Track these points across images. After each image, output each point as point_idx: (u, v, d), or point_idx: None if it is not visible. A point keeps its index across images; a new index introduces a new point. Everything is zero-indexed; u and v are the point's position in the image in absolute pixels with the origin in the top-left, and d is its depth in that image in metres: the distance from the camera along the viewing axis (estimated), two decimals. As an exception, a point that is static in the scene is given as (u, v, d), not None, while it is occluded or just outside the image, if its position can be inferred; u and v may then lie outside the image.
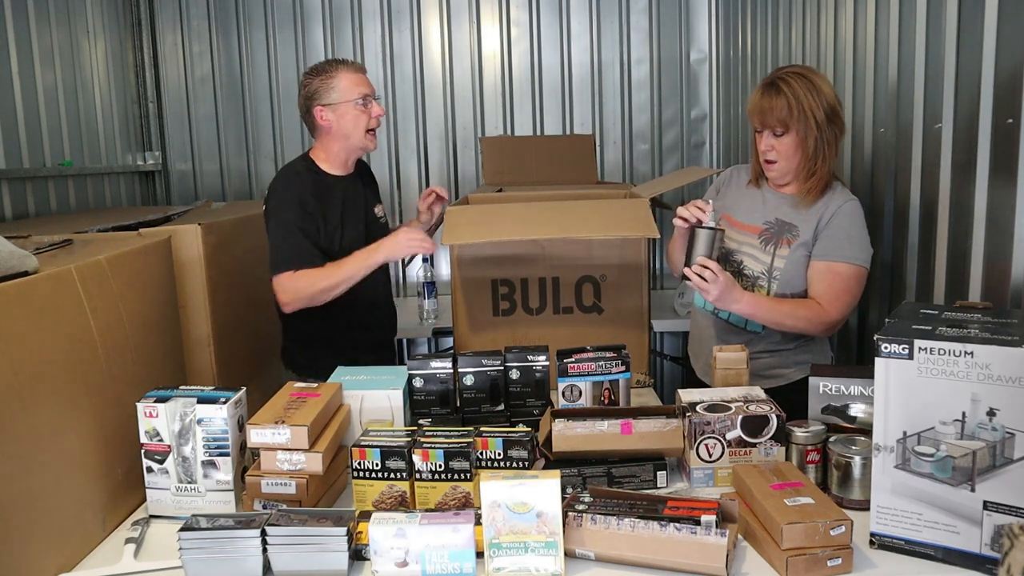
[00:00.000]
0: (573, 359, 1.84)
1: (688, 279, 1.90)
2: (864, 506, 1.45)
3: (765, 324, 2.02)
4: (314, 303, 2.19)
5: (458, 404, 1.87)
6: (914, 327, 1.34)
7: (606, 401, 1.83)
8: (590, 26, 4.22)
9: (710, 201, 1.93)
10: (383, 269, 2.38)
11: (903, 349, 1.30)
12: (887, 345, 1.31)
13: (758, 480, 1.46)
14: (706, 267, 1.87)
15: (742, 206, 2.13)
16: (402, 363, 2.01)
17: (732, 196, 2.18)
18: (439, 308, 3.56)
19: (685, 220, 1.95)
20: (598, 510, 1.39)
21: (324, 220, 2.27)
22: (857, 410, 1.67)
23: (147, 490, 1.60)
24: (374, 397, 1.80)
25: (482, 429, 1.59)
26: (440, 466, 1.53)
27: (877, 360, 1.32)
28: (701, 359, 2.22)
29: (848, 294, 1.96)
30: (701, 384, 2.20)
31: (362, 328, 2.42)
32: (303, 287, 2.17)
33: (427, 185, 4.35)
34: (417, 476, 1.54)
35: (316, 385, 1.76)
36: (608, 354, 1.85)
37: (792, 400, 1.75)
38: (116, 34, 3.93)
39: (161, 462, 1.58)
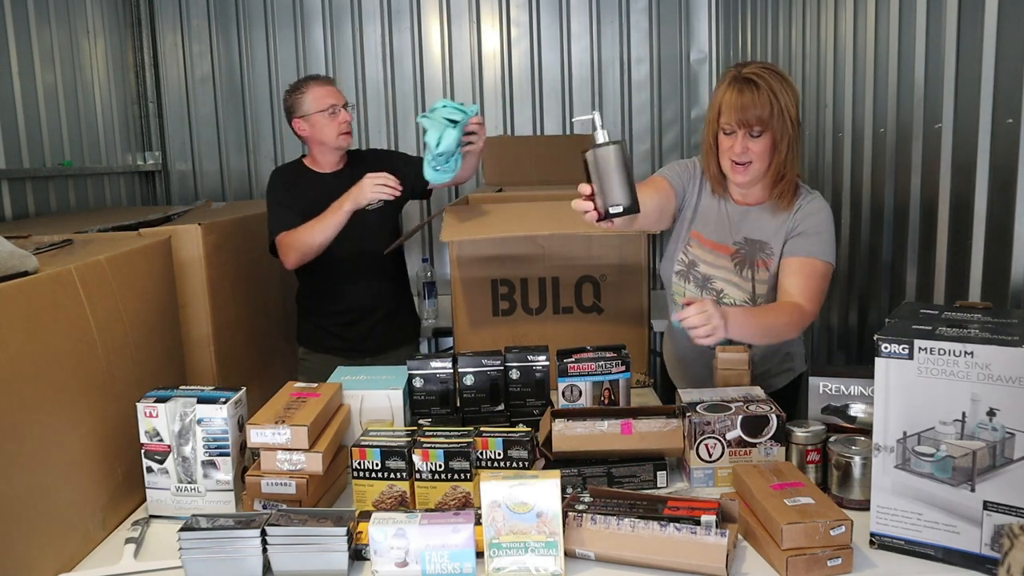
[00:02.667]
0: (573, 359, 1.84)
1: (680, 324, 1.66)
2: (864, 506, 1.45)
3: (754, 342, 1.84)
4: (307, 256, 2.44)
5: (458, 404, 1.87)
6: (914, 327, 1.34)
7: (606, 401, 1.83)
8: (590, 26, 4.22)
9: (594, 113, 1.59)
10: (394, 269, 2.74)
11: (903, 349, 1.30)
12: (887, 345, 1.31)
13: (758, 480, 1.46)
14: (689, 305, 1.66)
15: (709, 222, 1.97)
16: (402, 363, 2.01)
17: (701, 208, 1.99)
18: (439, 308, 3.56)
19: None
20: (598, 510, 1.39)
21: (298, 205, 2.51)
22: (857, 410, 1.67)
23: (147, 490, 1.60)
24: (374, 397, 1.80)
25: (482, 429, 1.59)
26: (440, 466, 1.53)
27: (877, 360, 1.32)
28: (686, 380, 2.13)
29: (823, 292, 1.87)
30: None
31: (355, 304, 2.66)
32: (293, 241, 2.43)
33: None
34: (417, 476, 1.54)
35: (316, 385, 1.77)
36: (608, 354, 1.84)
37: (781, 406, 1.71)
38: (116, 34, 3.93)
39: (161, 462, 1.58)
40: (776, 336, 1.85)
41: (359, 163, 2.65)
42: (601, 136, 1.54)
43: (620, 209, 1.51)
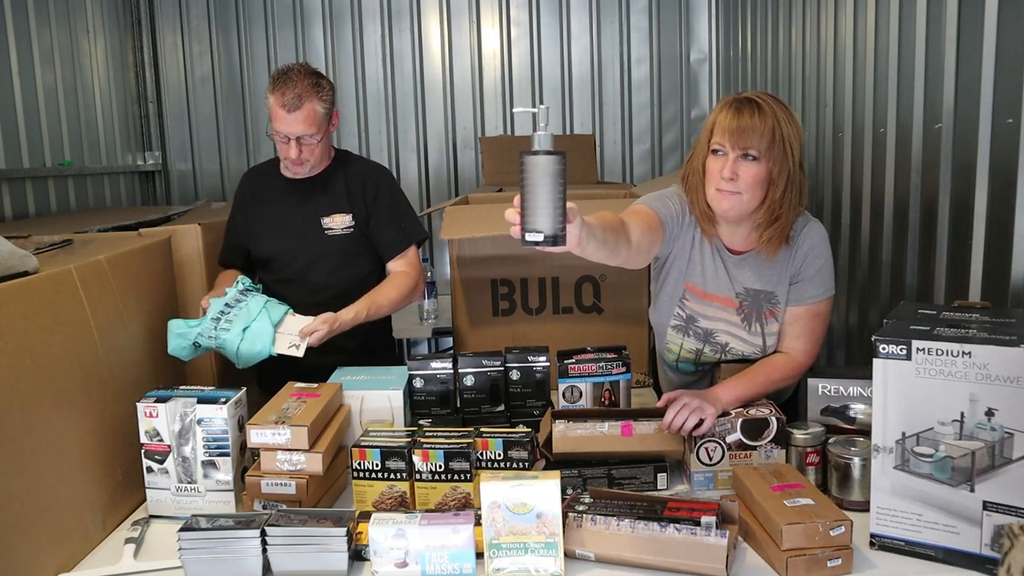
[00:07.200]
0: (574, 360, 1.84)
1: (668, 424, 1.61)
2: (864, 507, 1.45)
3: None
4: None
5: (458, 405, 1.87)
6: (912, 327, 1.34)
7: (606, 402, 1.83)
8: (590, 26, 4.22)
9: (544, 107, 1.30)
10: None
11: (901, 350, 1.30)
12: (885, 346, 1.31)
13: (758, 482, 1.46)
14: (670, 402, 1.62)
15: (705, 272, 1.78)
16: (402, 363, 2.01)
17: (694, 257, 1.79)
18: (439, 308, 3.56)
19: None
20: (598, 511, 1.39)
21: (253, 218, 2.26)
22: (856, 411, 1.67)
23: (147, 490, 1.60)
24: (374, 397, 1.80)
25: (482, 430, 1.59)
26: (440, 467, 1.53)
27: (875, 361, 1.32)
28: None
29: (824, 330, 1.79)
30: None
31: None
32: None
33: (427, 185, 4.35)
34: (417, 476, 1.54)
35: (316, 385, 1.77)
36: (609, 355, 1.84)
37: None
38: (116, 34, 3.93)
39: (161, 462, 1.58)
40: (768, 388, 1.74)
41: (339, 173, 2.23)
42: (538, 141, 1.24)
43: (539, 237, 1.22)
